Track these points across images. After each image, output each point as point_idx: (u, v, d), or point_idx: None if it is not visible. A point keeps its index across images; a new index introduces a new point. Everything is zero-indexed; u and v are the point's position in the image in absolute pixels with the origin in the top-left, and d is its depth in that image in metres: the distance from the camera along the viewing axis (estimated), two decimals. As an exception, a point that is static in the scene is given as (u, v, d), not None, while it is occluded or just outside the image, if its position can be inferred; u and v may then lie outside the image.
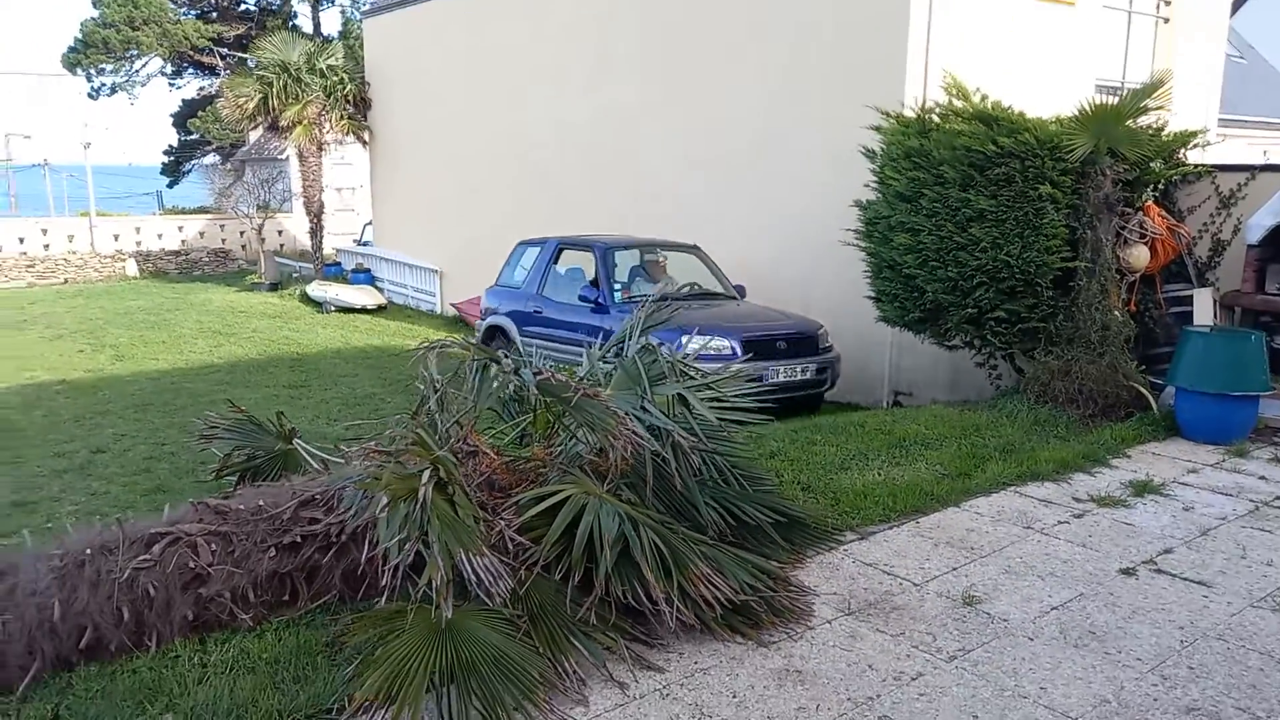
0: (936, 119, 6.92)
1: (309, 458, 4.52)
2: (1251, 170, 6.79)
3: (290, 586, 3.65)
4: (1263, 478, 5.26)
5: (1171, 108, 6.66)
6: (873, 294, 7.50)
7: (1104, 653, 3.33)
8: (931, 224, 6.69)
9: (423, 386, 4.57)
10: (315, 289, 16.91)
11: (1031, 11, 9.52)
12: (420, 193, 15.97)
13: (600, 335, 7.07)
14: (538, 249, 9.70)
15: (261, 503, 3.71)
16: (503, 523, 3.26)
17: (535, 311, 9.23)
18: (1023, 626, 3.53)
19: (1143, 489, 5.00)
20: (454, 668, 2.94)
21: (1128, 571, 4.00)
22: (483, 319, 9.80)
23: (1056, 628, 3.52)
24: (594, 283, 8.79)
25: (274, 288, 18.68)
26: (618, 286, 8.47)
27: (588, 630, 3.25)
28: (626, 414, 3.43)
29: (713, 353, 7.10)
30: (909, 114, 7.25)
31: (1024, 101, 7.03)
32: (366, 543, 3.06)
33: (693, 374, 4.03)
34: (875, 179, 7.29)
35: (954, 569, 4.03)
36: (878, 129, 7.41)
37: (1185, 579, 3.92)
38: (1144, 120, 6.53)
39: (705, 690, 3.10)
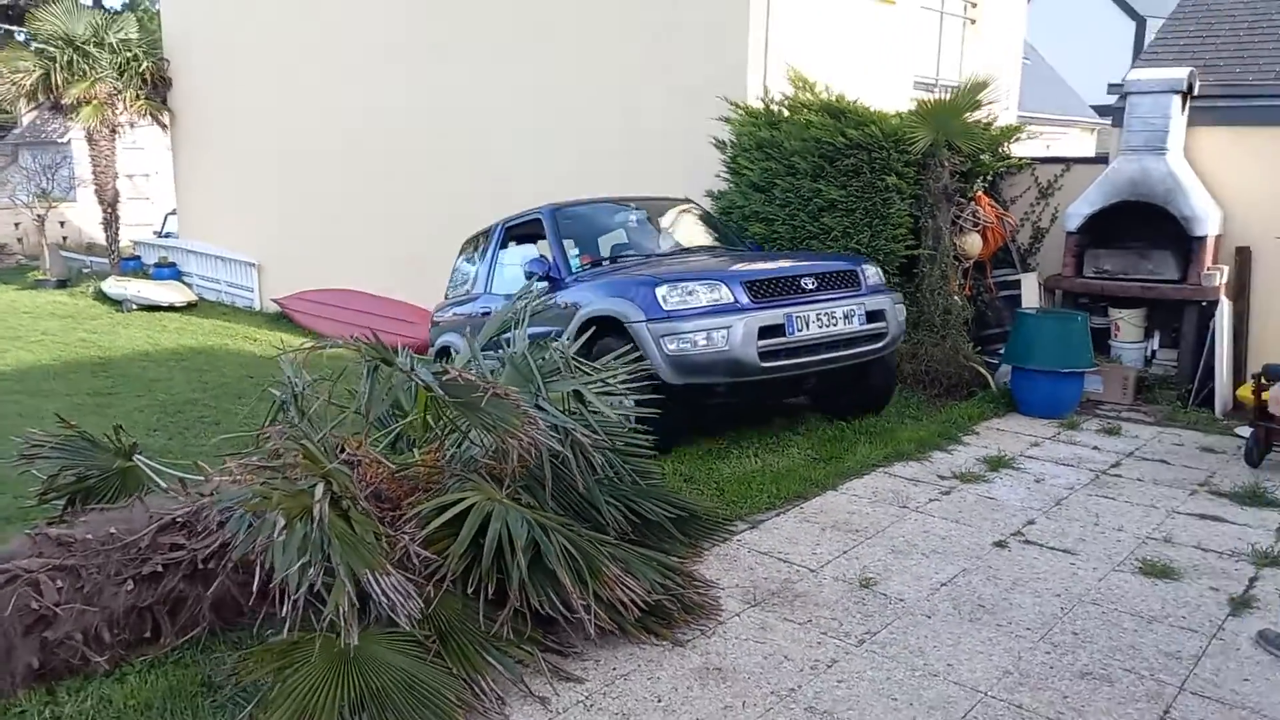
0: (786, 111, 7.08)
1: (155, 476, 4.06)
2: (1067, 163, 7.38)
3: (152, 621, 3.26)
4: (1096, 448, 5.71)
5: (1002, 104, 7.10)
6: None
7: (996, 625, 3.48)
8: (785, 214, 6.84)
9: (279, 392, 4.23)
10: (113, 286, 15.41)
11: (859, 10, 9.92)
12: (233, 179, 14.86)
13: (558, 318, 5.57)
14: (481, 240, 7.54)
15: (113, 529, 3.29)
16: (405, 537, 3.02)
17: (485, 313, 6.77)
18: (919, 605, 3.64)
19: (997, 464, 5.30)
20: (364, 698, 2.70)
21: (1000, 544, 4.21)
22: (432, 345, 7.66)
23: (950, 604, 3.65)
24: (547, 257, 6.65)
25: (62, 285, 16.90)
26: (575, 253, 6.21)
27: (500, 645, 3.08)
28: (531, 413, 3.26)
29: (705, 306, 5.12)
30: (757, 105, 7.39)
31: (853, 95, 7.31)
32: (259, 567, 2.75)
33: (587, 369, 3.89)
34: (726, 169, 7.38)
35: (844, 552, 4.11)
36: (727, 120, 7.51)
37: (1052, 548, 4.17)
38: (975, 115, 6.92)
39: (629, 697, 3.00)
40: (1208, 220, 6.39)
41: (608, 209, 6.89)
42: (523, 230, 7.03)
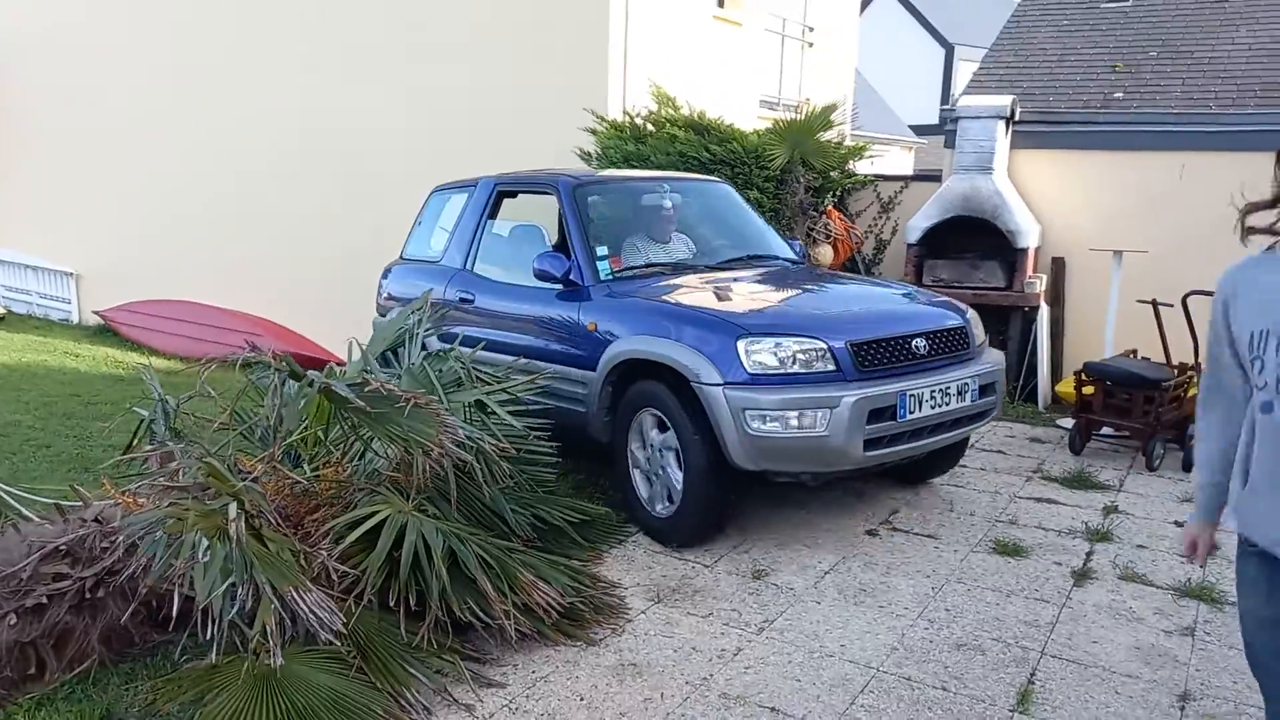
0: (651, 126, 7.31)
1: (14, 504, 3.79)
2: (905, 180, 7.98)
3: (36, 657, 3.07)
4: (942, 442, 6.22)
5: (850, 124, 7.59)
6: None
7: (878, 606, 3.79)
8: (652, 225, 7.05)
9: (145, 412, 4.05)
10: (-99, 298, 13.93)
11: (709, 30, 10.32)
12: (48, 184, 13.72)
13: (576, 338, 4.66)
14: (463, 197, 5.85)
15: (-11, 562, 3.07)
16: (323, 553, 2.99)
17: (465, 299, 5.43)
18: (808, 592, 3.90)
19: (858, 459, 5.69)
20: (291, 718, 2.66)
21: (872, 533, 4.55)
22: (381, 314, 6.16)
23: (835, 589, 3.93)
24: (560, 247, 5.11)
25: None
26: (602, 254, 4.85)
27: (421, 656, 3.09)
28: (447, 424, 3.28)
29: (801, 371, 3.94)
30: (622, 119, 7.59)
31: (707, 112, 7.63)
32: (177, 592, 2.66)
33: (487, 379, 3.94)
34: (593, 181, 7.52)
35: (735, 547, 4.33)
36: (593, 132, 7.67)
37: (917, 534, 4.55)
38: (827, 135, 7.38)
39: (552, 697, 3.08)
40: (1029, 234, 7.09)
41: (637, 189, 5.55)
42: (521, 193, 5.68)
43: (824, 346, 4.01)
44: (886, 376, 4.11)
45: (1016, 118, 7.36)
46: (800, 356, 3.97)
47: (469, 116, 9.57)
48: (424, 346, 4.34)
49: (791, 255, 5.56)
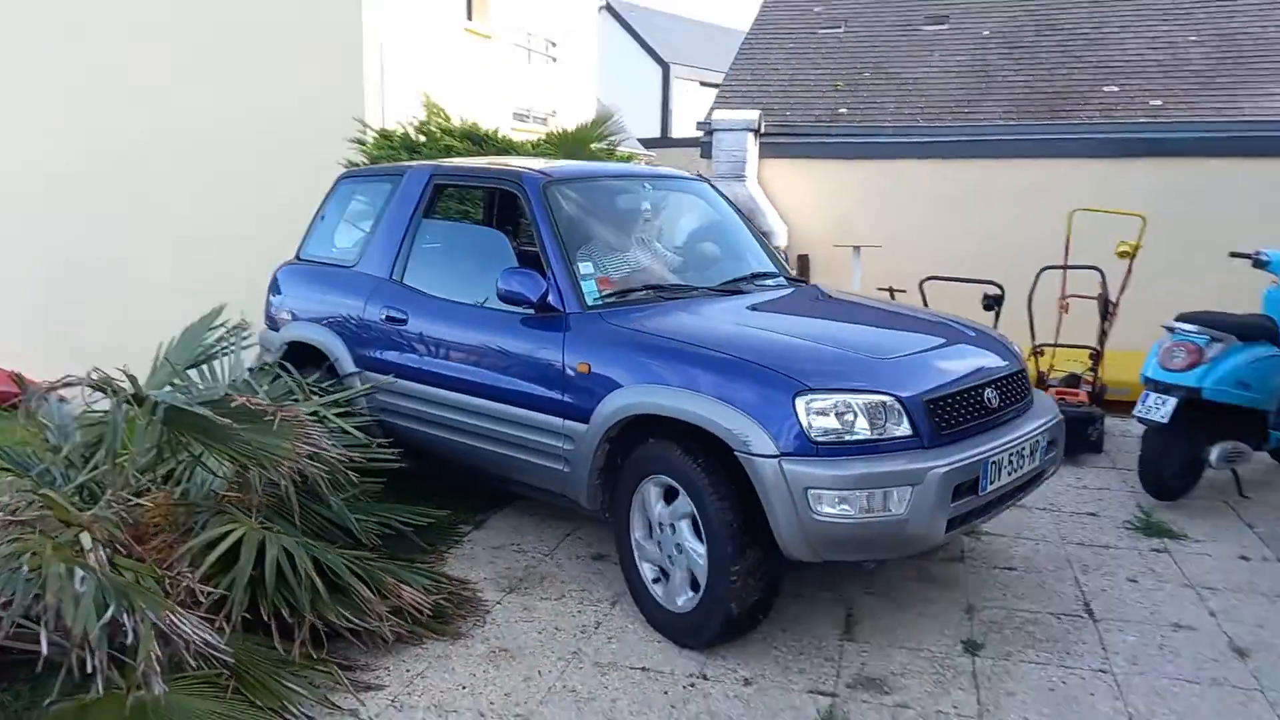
0: (423, 137, 7.32)
1: None
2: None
3: None
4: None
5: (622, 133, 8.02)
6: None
7: (710, 571, 4.15)
8: (433, 235, 7.07)
9: None
10: None
11: (461, 42, 10.44)
12: None
13: (558, 380, 3.70)
14: (385, 188, 4.75)
15: None
16: (186, 577, 2.86)
17: (391, 319, 4.37)
18: (645, 567, 4.19)
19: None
20: (176, 749, 2.56)
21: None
22: (273, 328, 4.99)
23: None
24: (534, 261, 3.93)
25: None
26: (586, 270, 3.89)
27: (296, 670, 3.05)
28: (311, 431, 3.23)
29: (872, 437, 3.11)
30: (391, 129, 7.54)
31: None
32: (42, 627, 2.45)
33: (319, 391, 3.88)
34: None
35: (568, 535, 4.54)
36: (360, 143, 7.55)
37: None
38: (598, 146, 7.77)
39: (434, 690, 3.15)
40: (780, 234, 7.87)
41: (618, 188, 4.59)
42: (465, 195, 4.66)
43: (896, 403, 3.17)
44: (964, 438, 3.30)
45: (762, 130, 8.13)
46: (871, 417, 3.13)
47: (200, 135, 9.05)
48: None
49: (790, 272, 4.73)
